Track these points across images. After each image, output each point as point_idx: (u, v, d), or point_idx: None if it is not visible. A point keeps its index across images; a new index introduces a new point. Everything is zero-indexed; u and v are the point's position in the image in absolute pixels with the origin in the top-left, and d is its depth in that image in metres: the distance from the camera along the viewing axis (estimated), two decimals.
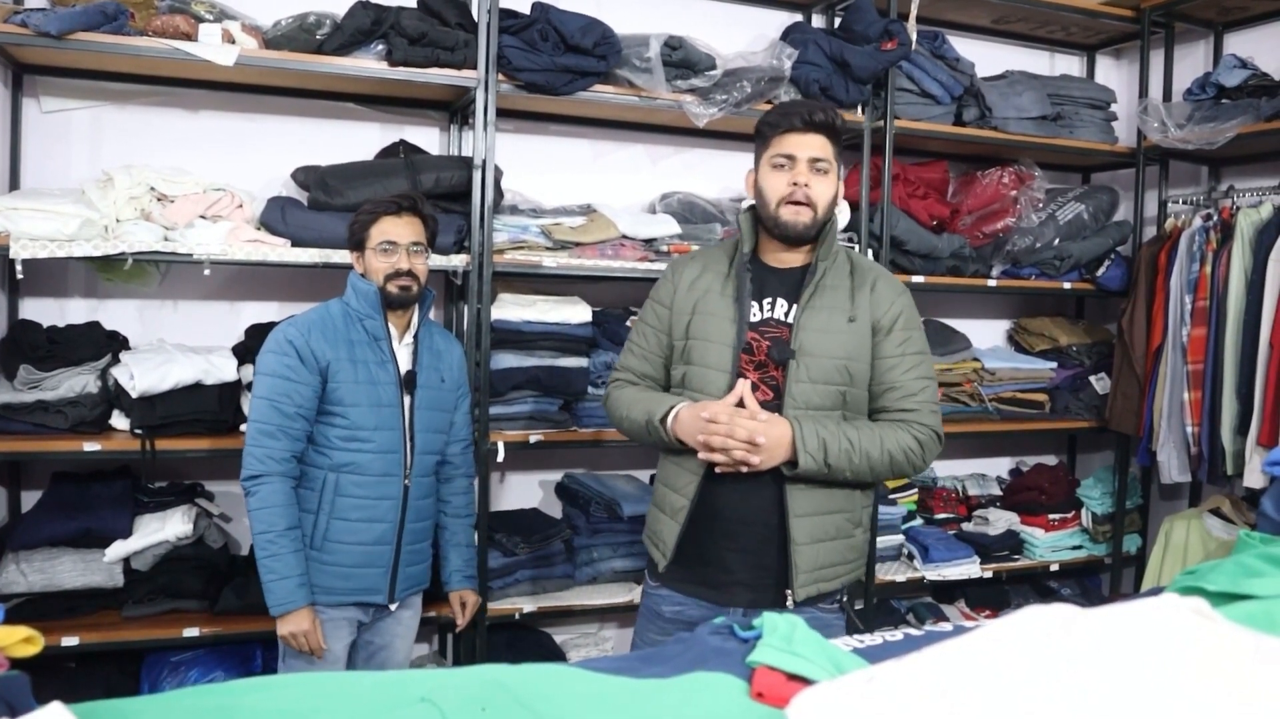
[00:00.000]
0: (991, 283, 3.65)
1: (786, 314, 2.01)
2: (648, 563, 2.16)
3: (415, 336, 2.41)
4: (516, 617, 3.03)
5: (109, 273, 2.86)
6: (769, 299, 2.03)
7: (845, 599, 2.14)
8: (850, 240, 3.40)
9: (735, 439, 1.87)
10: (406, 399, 2.35)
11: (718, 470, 1.94)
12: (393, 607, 2.40)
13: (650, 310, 2.17)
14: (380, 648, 2.45)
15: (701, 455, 1.92)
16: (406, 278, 2.31)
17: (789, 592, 1.97)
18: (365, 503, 2.29)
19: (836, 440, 1.91)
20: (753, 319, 2.02)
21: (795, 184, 1.96)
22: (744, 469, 1.90)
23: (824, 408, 1.97)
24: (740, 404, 1.92)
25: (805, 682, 0.94)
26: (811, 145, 1.97)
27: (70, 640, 2.55)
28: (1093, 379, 3.88)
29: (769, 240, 2.06)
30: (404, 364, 2.37)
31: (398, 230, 2.31)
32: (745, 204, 2.15)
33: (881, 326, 2.02)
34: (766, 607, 1.97)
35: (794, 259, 2.05)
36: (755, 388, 1.97)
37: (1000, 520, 3.77)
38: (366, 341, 2.32)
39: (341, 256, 2.74)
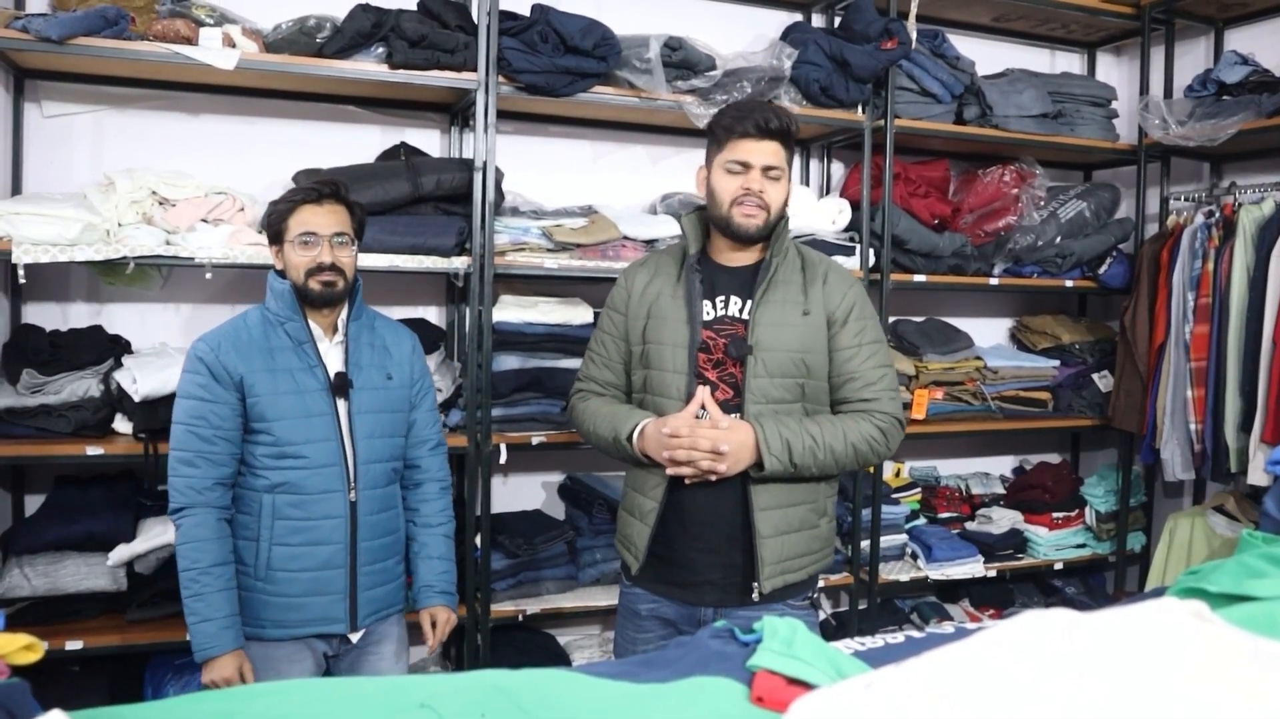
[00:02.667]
0: (993, 281, 3.65)
1: (741, 311, 2.03)
2: (621, 565, 2.18)
3: (346, 334, 2.16)
4: (520, 618, 3.03)
5: (111, 277, 2.87)
6: (722, 297, 2.05)
7: (816, 595, 2.16)
8: (851, 239, 3.40)
9: (699, 450, 1.90)
10: (341, 405, 2.12)
11: (686, 482, 1.96)
12: (355, 636, 2.16)
13: (606, 318, 2.19)
14: None
15: (669, 470, 1.95)
16: (330, 272, 2.07)
17: (755, 584, 1.99)
18: (306, 525, 2.06)
19: (800, 438, 1.93)
20: (707, 318, 2.03)
21: (748, 190, 1.98)
22: (712, 478, 1.93)
23: (783, 401, 1.99)
24: (703, 410, 1.94)
25: (806, 686, 0.94)
26: (766, 152, 1.98)
27: (74, 644, 2.56)
28: (1095, 377, 3.88)
29: (720, 239, 2.08)
30: (334, 366, 2.13)
31: (318, 220, 2.08)
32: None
33: (836, 318, 2.04)
34: (734, 604, 2.01)
35: (746, 257, 2.08)
36: (715, 387, 1.99)
37: (1004, 519, 3.77)
38: (290, 347, 2.09)
39: None
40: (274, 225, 2.12)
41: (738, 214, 1.99)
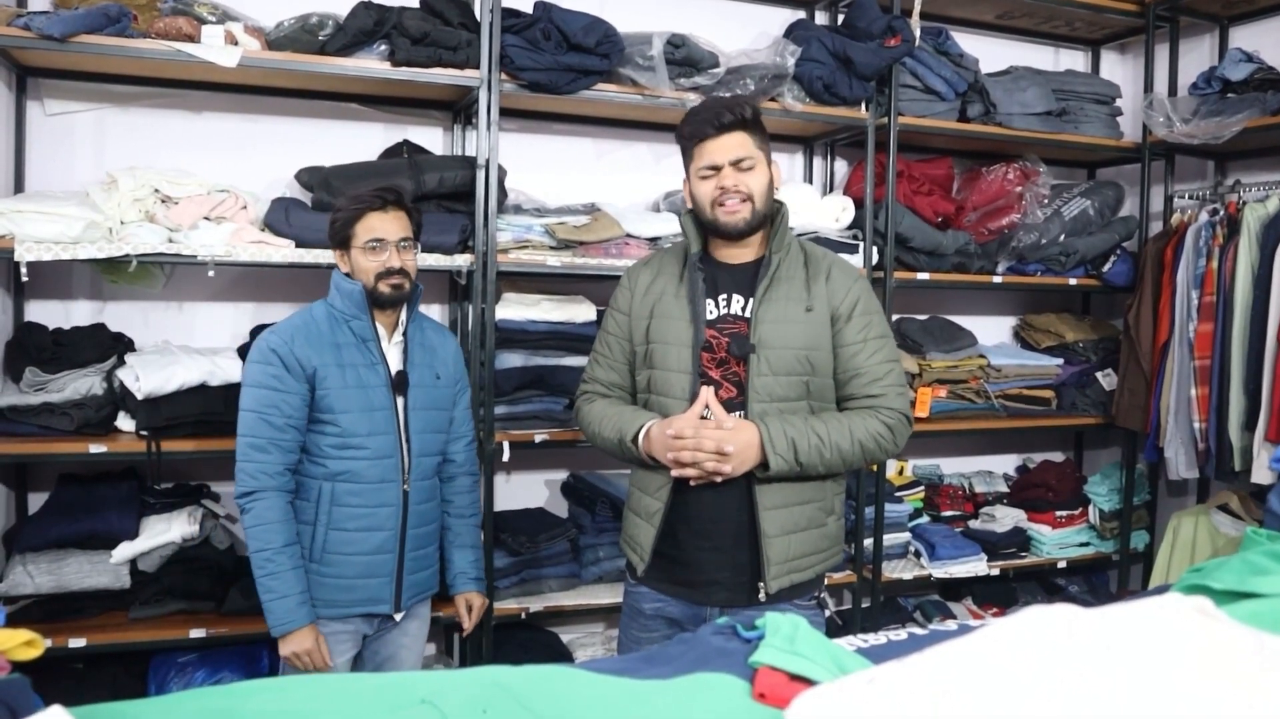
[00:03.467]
0: (997, 279, 3.64)
1: (744, 309, 2.02)
2: (627, 564, 2.18)
3: (405, 334, 2.31)
4: (523, 616, 3.03)
5: (114, 275, 2.87)
6: (724, 296, 2.04)
7: (822, 595, 2.15)
8: (855, 237, 3.39)
9: (703, 451, 1.89)
10: (399, 401, 2.25)
11: (691, 483, 1.95)
12: (398, 616, 2.31)
13: (610, 319, 2.18)
14: (386, 659, 2.36)
15: (674, 472, 1.94)
16: (398, 276, 2.21)
17: (761, 584, 1.98)
18: (363, 512, 2.20)
19: (805, 437, 1.92)
20: (710, 317, 2.03)
21: (724, 188, 1.98)
22: (717, 479, 1.92)
23: (788, 399, 1.98)
24: (707, 410, 1.93)
25: (808, 682, 0.94)
26: (729, 147, 1.98)
27: (78, 642, 2.55)
28: (1099, 375, 3.87)
29: (718, 238, 2.07)
30: (394, 364, 2.27)
31: (385, 226, 2.21)
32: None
33: (840, 314, 2.02)
34: (741, 604, 2.00)
35: (746, 254, 2.07)
36: (719, 386, 1.98)
37: (1007, 518, 3.77)
38: (354, 344, 2.22)
39: None
40: (340, 231, 2.23)
41: (721, 214, 1.99)
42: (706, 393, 1.94)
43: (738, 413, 1.97)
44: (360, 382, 2.21)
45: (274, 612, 2.12)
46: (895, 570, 3.52)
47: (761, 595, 1.99)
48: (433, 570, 2.39)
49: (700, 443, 1.89)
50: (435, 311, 3.33)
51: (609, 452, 2.10)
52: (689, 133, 2.04)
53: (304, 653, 2.13)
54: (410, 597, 2.31)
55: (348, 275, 2.24)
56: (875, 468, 3.44)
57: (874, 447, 1.99)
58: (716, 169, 1.99)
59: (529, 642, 3.15)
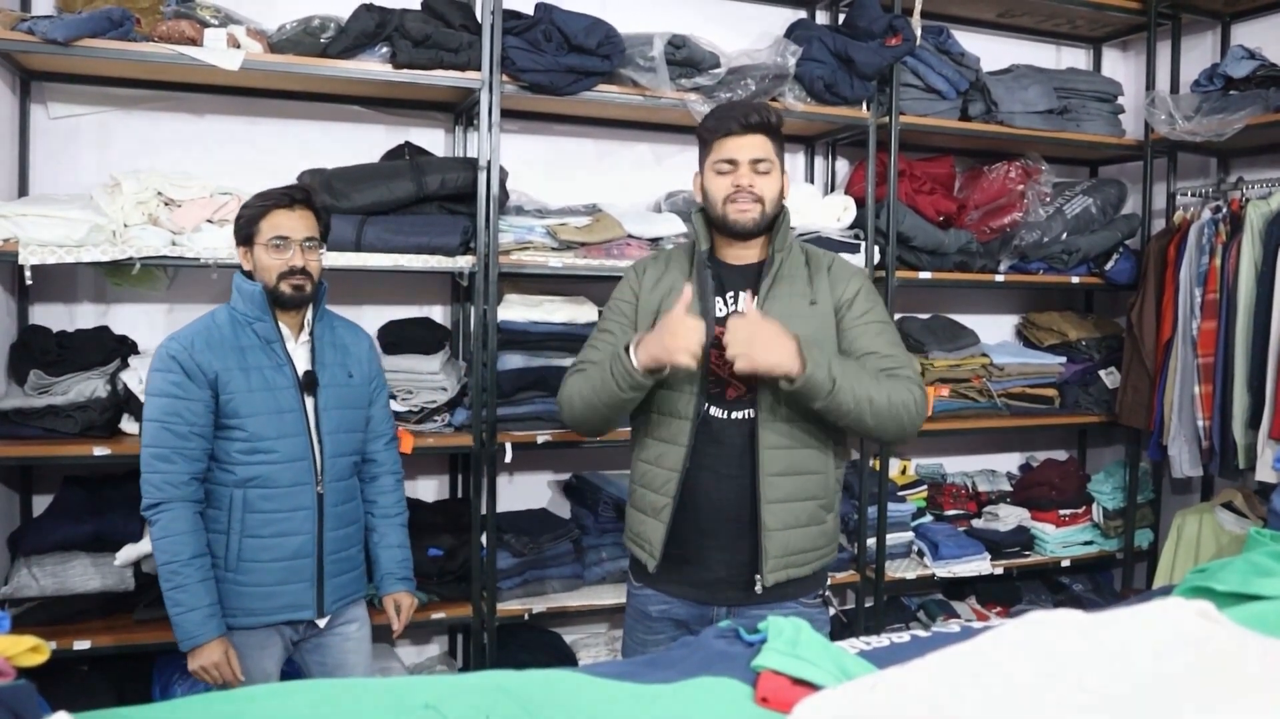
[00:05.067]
0: (999, 278, 3.64)
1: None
2: (630, 564, 2.17)
3: (312, 334, 2.24)
4: (526, 617, 3.03)
5: (117, 277, 2.87)
6: (731, 294, 2.06)
7: (827, 593, 2.16)
8: (857, 236, 3.39)
9: (736, 339, 1.84)
10: (309, 402, 2.19)
11: (728, 356, 1.86)
12: (321, 622, 2.24)
13: (615, 309, 2.17)
14: (335, 667, 2.29)
15: (683, 360, 1.85)
16: (300, 276, 2.14)
17: (758, 576, 1.99)
18: (277, 517, 2.14)
19: (840, 361, 1.92)
20: (719, 314, 2.04)
21: (739, 186, 1.99)
22: (743, 368, 1.85)
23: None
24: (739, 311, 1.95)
25: (810, 686, 0.94)
26: (751, 147, 2.00)
27: (82, 644, 2.57)
28: (1102, 373, 3.87)
29: (723, 238, 2.09)
30: (302, 365, 2.20)
31: (290, 224, 2.14)
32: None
33: (843, 303, 2.05)
34: (739, 597, 2.02)
35: (750, 255, 2.09)
36: (728, 383, 2.00)
37: (1011, 516, 3.76)
38: (258, 346, 2.15)
39: (347, 260, 2.75)
40: (245, 228, 2.17)
41: (732, 211, 2.01)
42: (746, 298, 1.98)
43: (747, 410, 1.99)
44: (266, 384, 2.14)
45: (181, 626, 2.06)
46: (898, 570, 3.52)
47: (758, 588, 2.00)
48: (358, 573, 2.33)
49: (734, 332, 1.84)
50: (437, 313, 3.34)
51: (589, 404, 2.03)
52: (713, 126, 2.03)
53: (211, 666, 2.06)
54: (334, 600, 2.24)
55: (249, 275, 2.18)
56: (877, 466, 3.44)
57: (900, 408, 1.92)
58: (734, 164, 2.00)
59: (532, 643, 3.16)
